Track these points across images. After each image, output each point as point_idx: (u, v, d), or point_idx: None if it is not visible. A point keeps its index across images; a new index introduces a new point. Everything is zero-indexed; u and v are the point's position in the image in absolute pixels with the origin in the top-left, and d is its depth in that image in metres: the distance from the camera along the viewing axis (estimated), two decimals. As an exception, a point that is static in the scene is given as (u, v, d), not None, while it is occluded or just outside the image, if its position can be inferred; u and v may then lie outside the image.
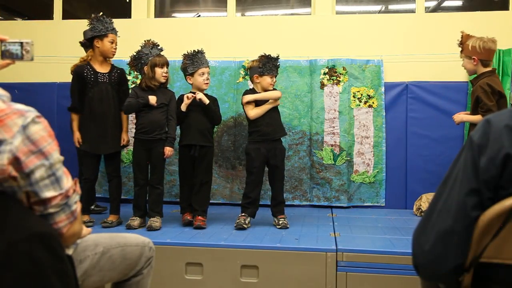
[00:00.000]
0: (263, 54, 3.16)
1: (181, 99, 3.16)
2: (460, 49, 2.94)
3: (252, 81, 3.25)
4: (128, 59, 3.20)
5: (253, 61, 3.21)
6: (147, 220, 3.11)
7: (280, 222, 3.12)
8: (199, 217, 3.11)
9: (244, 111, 3.23)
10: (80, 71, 3.13)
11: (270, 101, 3.16)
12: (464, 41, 2.88)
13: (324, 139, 3.95)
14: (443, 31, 3.86)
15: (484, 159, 0.98)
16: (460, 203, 1.00)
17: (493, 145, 0.98)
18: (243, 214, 3.14)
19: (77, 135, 3.13)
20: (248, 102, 3.15)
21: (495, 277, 1.01)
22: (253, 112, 3.13)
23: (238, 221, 3.07)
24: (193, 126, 3.14)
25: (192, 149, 3.12)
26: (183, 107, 3.10)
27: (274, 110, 3.21)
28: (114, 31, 3.16)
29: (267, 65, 3.13)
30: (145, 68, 3.08)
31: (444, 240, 1.00)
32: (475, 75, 2.94)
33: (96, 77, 3.14)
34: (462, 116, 2.99)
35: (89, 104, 3.13)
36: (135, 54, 3.12)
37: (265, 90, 3.18)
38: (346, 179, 3.93)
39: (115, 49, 3.18)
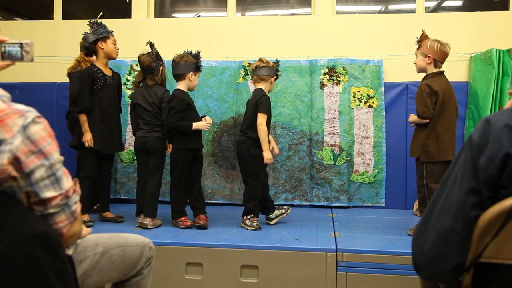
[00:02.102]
0: (278, 60, 3.29)
1: (181, 96, 3.12)
2: (417, 46, 2.99)
3: (264, 80, 3.19)
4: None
5: (268, 61, 3.19)
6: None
7: (278, 212, 3.21)
8: (203, 216, 3.14)
9: (255, 113, 3.13)
10: (91, 73, 3.20)
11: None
12: (422, 39, 2.94)
13: (324, 139, 3.95)
14: (443, 31, 3.86)
15: (483, 158, 0.98)
16: (459, 202, 1.00)
17: (493, 144, 0.98)
18: (253, 216, 3.13)
19: (90, 136, 3.17)
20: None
21: (495, 277, 1.01)
22: (264, 127, 3.09)
23: (256, 224, 3.07)
24: (198, 131, 3.18)
25: (196, 152, 3.18)
26: (202, 128, 3.15)
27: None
28: (112, 33, 3.29)
29: (279, 70, 3.26)
30: (162, 69, 3.25)
31: (444, 240, 1.00)
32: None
33: (105, 79, 3.26)
34: (413, 117, 3.00)
35: (99, 105, 3.23)
36: (158, 52, 3.20)
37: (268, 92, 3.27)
38: (346, 179, 3.93)
39: (118, 49, 3.31)
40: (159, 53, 3.20)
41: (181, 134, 3.13)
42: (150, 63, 3.15)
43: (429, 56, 2.88)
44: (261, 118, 3.08)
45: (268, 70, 3.17)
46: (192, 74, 3.13)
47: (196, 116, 3.17)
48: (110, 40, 3.24)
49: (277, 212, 3.25)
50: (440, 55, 2.88)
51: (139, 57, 3.22)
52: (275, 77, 3.24)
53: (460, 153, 1.06)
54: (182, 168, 3.13)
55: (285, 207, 3.29)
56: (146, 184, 3.21)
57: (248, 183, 3.16)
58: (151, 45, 3.18)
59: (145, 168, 3.25)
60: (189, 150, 3.13)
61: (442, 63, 2.93)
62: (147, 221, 3.08)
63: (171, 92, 3.21)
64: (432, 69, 2.90)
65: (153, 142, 3.19)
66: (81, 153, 3.28)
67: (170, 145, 3.30)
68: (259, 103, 3.10)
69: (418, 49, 2.96)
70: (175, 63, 3.13)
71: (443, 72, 2.92)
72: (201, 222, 3.08)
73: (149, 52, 3.18)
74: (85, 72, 3.23)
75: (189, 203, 3.22)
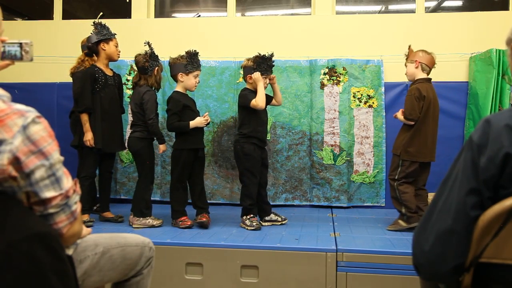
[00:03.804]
0: (258, 54, 3.17)
1: (177, 98, 3.13)
2: (405, 59, 3.13)
3: (246, 81, 3.25)
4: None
5: (247, 60, 3.21)
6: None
7: (273, 217, 3.17)
8: (207, 214, 3.17)
9: (242, 110, 3.20)
10: (93, 73, 3.22)
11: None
12: (410, 52, 3.11)
13: (324, 139, 3.95)
14: (443, 31, 3.86)
15: (484, 158, 0.98)
16: (460, 202, 1.00)
17: (493, 144, 0.98)
18: (252, 215, 3.13)
19: (91, 135, 3.18)
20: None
21: (495, 277, 1.01)
22: (259, 100, 3.06)
23: (256, 223, 3.07)
24: (199, 131, 3.19)
25: (196, 152, 3.18)
26: (200, 125, 3.13)
27: (266, 113, 3.29)
28: (115, 35, 3.31)
29: (262, 65, 3.15)
30: (158, 69, 3.20)
31: (444, 240, 1.00)
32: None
33: (106, 79, 3.28)
34: (400, 116, 3.11)
35: (101, 104, 3.24)
36: (154, 52, 3.17)
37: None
38: (346, 179, 3.93)
39: (120, 51, 3.34)
40: (155, 53, 3.18)
41: (182, 135, 3.14)
42: (143, 63, 3.14)
43: (415, 61, 3.03)
44: (253, 102, 3.06)
45: (244, 70, 3.24)
46: (182, 74, 3.13)
47: (196, 117, 3.18)
48: (113, 42, 3.25)
49: (273, 216, 3.25)
50: (426, 59, 3.02)
51: (135, 57, 3.22)
52: (250, 75, 3.15)
53: (460, 153, 1.06)
54: (183, 168, 3.14)
55: (282, 217, 3.27)
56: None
57: (243, 182, 3.19)
58: (149, 44, 3.15)
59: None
60: (190, 150, 3.14)
61: (430, 69, 3.06)
62: (134, 220, 3.13)
63: (167, 94, 3.23)
64: (420, 74, 3.05)
65: (131, 142, 3.21)
66: (82, 152, 3.29)
67: (161, 146, 3.22)
68: (240, 98, 3.17)
69: (406, 59, 3.11)
70: (169, 65, 3.20)
71: (430, 79, 3.06)
72: (204, 219, 3.10)
73: (145, 52, 3.18)
74: (86, 72, 3.25)
75: (192, 203, 3.23)
